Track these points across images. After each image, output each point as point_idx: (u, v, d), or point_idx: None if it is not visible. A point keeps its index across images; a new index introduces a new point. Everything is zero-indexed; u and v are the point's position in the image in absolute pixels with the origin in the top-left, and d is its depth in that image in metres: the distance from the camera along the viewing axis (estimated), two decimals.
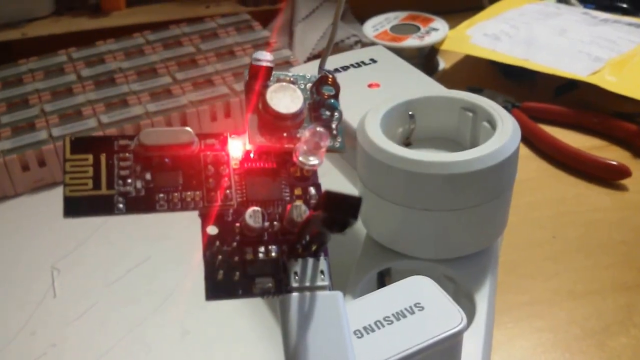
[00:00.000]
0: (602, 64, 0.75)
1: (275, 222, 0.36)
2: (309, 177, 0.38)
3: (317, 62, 0.55)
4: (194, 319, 0.52)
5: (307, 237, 0.35)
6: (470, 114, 0.47)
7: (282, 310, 0.34)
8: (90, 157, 0.35)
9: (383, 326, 0.35)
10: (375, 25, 0.85)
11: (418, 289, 0.37)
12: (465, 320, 0.35)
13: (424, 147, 0.48)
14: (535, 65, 0.76)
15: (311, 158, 0.36)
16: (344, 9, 0.93)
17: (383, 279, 0.48)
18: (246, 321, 0.51)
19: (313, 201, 0.37)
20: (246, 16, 0.88)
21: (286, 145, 0.38)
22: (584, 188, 0.65)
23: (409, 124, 0.48)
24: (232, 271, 0.35)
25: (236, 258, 0.35)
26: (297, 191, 0.38)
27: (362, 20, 0.91)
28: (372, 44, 0.82)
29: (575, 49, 0.77)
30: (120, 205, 0.34)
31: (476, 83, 0.80)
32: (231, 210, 0.36)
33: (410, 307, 0.36)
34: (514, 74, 0.81)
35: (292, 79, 0.40)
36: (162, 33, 0.84)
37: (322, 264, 0.36)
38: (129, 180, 0.35)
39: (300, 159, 0.36)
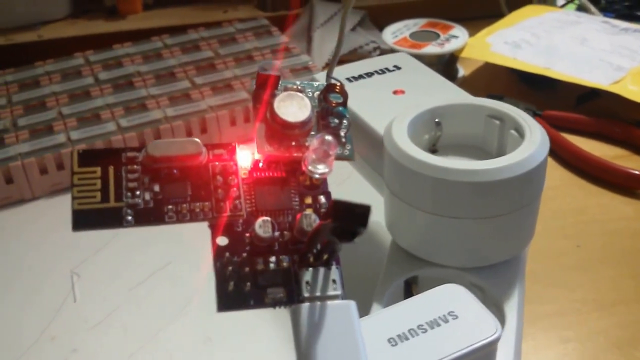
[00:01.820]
0: (624, 73, 0.74)
1: (285, 232, 0.36)
2: (319, 185, 0.38)
3: (338, 67, 0.55)
4: (216, 325, 0.51)
5: (318, 246, 0.35)
6: (497, 122, 0.46)
7: (294, 321, 0.34)
8: (98, 169, 0.35)
9: (417, 334, 0.34)
10: (395, 32, 0.85)
11: (451, 297, 0.37)
12: (500, 329, 0.35)
13: (449, 155, 0.47)
14: (557, 74, 0.75)
15: (320, 167, 0.36)
16: (362, 15, 0.93)
17: (410, 287, 0.48)
18: (267, 329, 0.51)
19: (323, 210, 0.37)
20: (264, 21, 0.87)
21: (295, 154, 0.37)
22: (607, 197, 0.64)
23: (435, 131, 0.47)
24: (243, 282, 0.35)
25: (247, 269, 0.35)
26: (307, 200, 0.37)
27: (380, 27, 0.91)
28: (391, 50, 0.82)
29: (596, 58, 0.77)
30: (129, 218, 0.34)
31: (496, 90, 0.79)
32: (241, 221, 0.36)
33: (444, 315, 0.35)
34: (534, 81, 0.80)
35: (299, 87, 0.40)
36: (180, 37, 0.83)
37: (334, 273, 0.36)
38: (138, 192, 0.35)
39: (310, 167, 0.36)
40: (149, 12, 0.95)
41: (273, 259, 0.35)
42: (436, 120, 0.47)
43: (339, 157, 0.38)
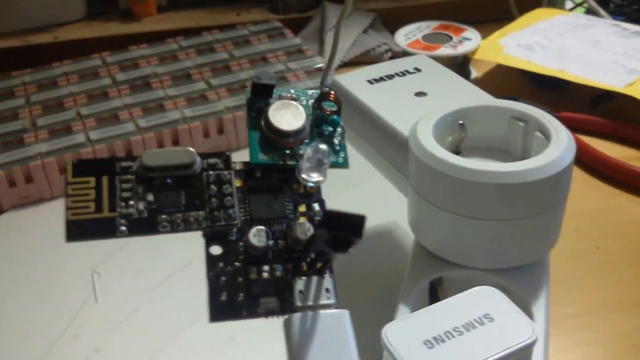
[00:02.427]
0: (637, 76, 0.74)
1: (279, 241, 0.37)
2: (313, 193, 0.39)
3: (352, 71, 0.55)
4: (239, 324, 0.51)
5: (312, 255, 0.35)
6: (522, 124, 0.47)
7: (286, 330, 0.35)
8: (92, 179, 0.35)
9: (453, 337, 0.34)
10: (407, 34, 0.85)
11: (486, 299, 0.37)
12: (536, 332, 0.35)
13: (473, 157, 0.48)
14: (571, 76, 0.75)
15: (314, 175, 0.37)
16: (373, 18, 0.93)
17: (434, 288, 0.48)
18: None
19: (317, 218, 0.38)
20: (277, 24, 0.88)
21: (289, 163, 0.38)
22: (623, 198, 0.65)
23: (459, 133, 0.47)
24: (236, 292, 0.35)
25: (240, 279, 0.35)
26: (301, 208, 0.38)
27: (390, 29, 0.92)
28: (404, 52, 0.82)
29: (609, 61, 0.77)
30: (123, 228, 0.35)
31: (508, 92, 0.79)
32: (235, 229, 0.36)
33: (480, 318, 0.35)
34: (546, 83, 0.80)
35: (294, 95, 0.40)
36: (195, 39, 0.84)
37: (327, 281, 0.36)
38: (131, 202, 0.35)
39: (303, 176, 0.37)
40: (163, 14, 0.95)
41: (267, 268, 0.36)
42: (460, 122, 0.47)
43: (334, 165, 0.39)
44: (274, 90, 0.39)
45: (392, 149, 0.49)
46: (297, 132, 0.38)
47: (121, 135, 0.66)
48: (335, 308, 0.35)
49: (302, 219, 0.37)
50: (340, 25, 0.44)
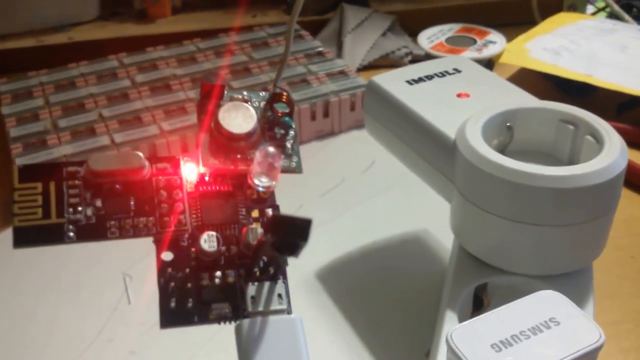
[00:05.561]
0: None
1: (232, 246, 0.36)
2: (267, 198, 0.38)
3: (389, 71, 0.54)
4: None
5: (265, 260, 0.35)
6: (571, 127, 0.45)
7: (237, 336, 0.34)
8: (39, 185, 0.35)
9: (520, 340, 0.34)
10: (430, 37, 0.84)
11: (550, 303, 0.36)
12: (603, 336, 0.34)
13: (519, 160, 0.46)
14: (599, 82, 0.74)
15: (264, 179, 0.36)
16: (392, 21, 0.92)
17: (476, 295, 0.46)
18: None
19: None
20: (295, 26, 0.86)
21: (240, 167, 0.37)
22: None
23: (505, 136, 0.46)
24: (186, 298, 0.35)
25: (189, 284, 0.35)
26: (255, 213, 0.38)
27: (409, 32, 0.92)
28: (426, 55, 0.81)
29: (638, 66, 0.76)
30: (71, 234, 0.35)
31: None
32: (186, 235, 0.36)
33: (546, 321, 0.35)
34: (571, 89, 0.79)
35: (245, 97, 0.39)
36: (213, 41, 0.83)
37: (280, 287, 0.36)
38: (79, 208, 0.35)
39: (255, 181, 0.36)
40: (177, 16, 0.94)
41: (219, 273, 0.36)
42: (508, 124, 0.46)
43: (286, 170, 0.38)
44: (226, 92, 0.39)
45: (435, 151, 0.47)
46: (248, 135, 0.37)
47: (145, 138, 0.65)
48: (288, 313, 0.35)
49: (255, 225, 0.37)
50: (292, 32, 0.44)
